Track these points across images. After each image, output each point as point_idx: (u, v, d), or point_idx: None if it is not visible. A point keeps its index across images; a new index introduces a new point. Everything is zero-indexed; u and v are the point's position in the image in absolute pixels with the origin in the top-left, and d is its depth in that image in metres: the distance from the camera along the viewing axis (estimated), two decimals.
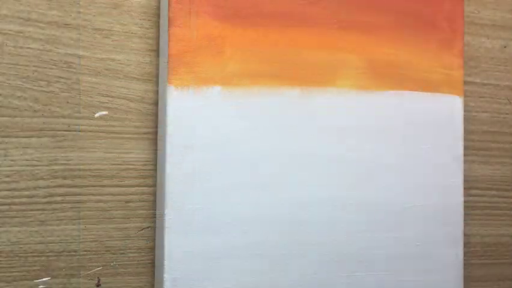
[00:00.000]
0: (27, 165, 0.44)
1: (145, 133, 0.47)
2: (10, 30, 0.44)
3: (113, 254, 0.46)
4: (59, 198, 0.45)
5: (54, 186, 0.45)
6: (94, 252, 0.46)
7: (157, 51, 0.47)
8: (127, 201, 0.46)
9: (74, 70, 0.45)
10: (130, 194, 0.46)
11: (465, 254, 0.51)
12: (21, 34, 0.44)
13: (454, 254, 0.51)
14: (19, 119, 0.44)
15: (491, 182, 0.56)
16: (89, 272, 0.46)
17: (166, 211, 0.44)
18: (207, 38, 0.45)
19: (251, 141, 0.46)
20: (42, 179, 0.45)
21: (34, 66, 0.45)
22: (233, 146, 0.45)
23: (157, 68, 0.47)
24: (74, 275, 0.45)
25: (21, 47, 0.44)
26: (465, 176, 0.51)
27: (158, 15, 0.47)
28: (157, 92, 0.47)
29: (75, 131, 0.45)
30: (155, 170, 0.47)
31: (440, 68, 0.50)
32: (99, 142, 0.46)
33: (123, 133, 0.46)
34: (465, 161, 0.51)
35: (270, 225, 0.46)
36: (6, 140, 0.44)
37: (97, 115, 0.46)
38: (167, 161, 0.44)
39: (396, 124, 0.49)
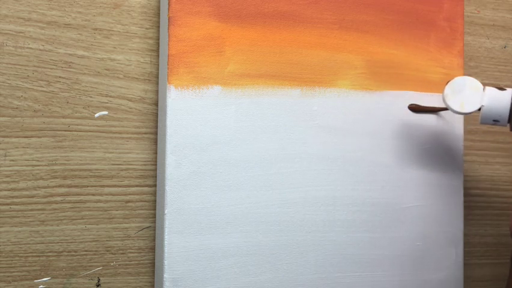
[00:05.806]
0: (27, 165, 0.44)
1: (145, 133, 0.47)
2: (10, 30, 0.44)
3: (113, 254, 0.46)
4: (59, 198, 0.45)
5: (54, 186, 0.45)
6: (94, 252, 0.46)
7: (157, 51, 0.47)
8: (127, 201, 0.46)
9: (74, 70, 0.45)
10: (130, 194, 0.46)
11: (465, 254, 0.51)
12: (21, 34, 0.44)
13: (454, 254, 0.51)
14: (19, 119, 0.44)
15: (491, 182, 0.56)
16: (89, 272, 0.46)
17: (166, 211, 0.44)
18: (207, 38, 0.45)
19: (251, 141, 0.46)
20: (42, 179, 0.45)
21: (34, 66, 0.45)
22: (233, 146, 0.45)
23: (157, 68, 0.47)
24: (74, 275, 0.45)
25: (21, 47, 0.44)
26: (465, 176, 0.51)
27: (158, 15, 0.47)
28: (157, 92, 0.47)
29: (75, 131, 0.45)
30: (155, 170, 0.47)
31: (440, 68, 0.50)
32: (99, 142, 0.46)
33: (123, 133, 0.46)
34: (465, 161, 0.51)
35: (270, 225, 0.46)
36: (6, 140, 0.44)
37: (97, 115, 0.46)
38: (167, 161, 0.44)
39: (396, 124, 0.49)
